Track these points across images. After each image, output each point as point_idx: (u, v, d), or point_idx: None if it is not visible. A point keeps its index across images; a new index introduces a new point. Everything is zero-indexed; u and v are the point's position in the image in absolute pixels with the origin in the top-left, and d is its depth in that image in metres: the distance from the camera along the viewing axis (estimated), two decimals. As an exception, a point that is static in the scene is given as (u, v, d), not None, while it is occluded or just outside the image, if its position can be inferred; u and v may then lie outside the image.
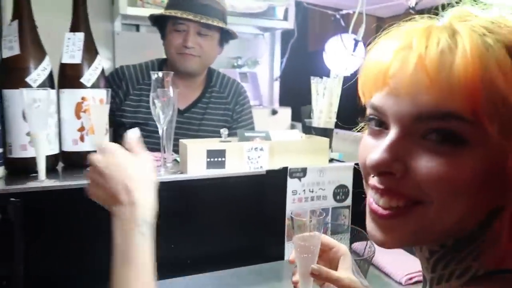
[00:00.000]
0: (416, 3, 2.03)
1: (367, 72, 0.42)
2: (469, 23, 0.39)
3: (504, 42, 0.37)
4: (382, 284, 0.95)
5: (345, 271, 0.62)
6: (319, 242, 0.62)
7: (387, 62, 0.39)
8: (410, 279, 0.94)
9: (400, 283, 0.94)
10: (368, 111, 0.44)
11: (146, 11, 2.17)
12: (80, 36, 1.09)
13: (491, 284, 0.39)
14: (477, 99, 0.35)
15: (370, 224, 0.43)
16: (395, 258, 1.02)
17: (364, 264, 0.96)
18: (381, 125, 0.42)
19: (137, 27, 2.46)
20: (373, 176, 0.42)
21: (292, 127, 2.53)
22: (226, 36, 1.46)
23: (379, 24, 2.70)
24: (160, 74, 1.02)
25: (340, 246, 0.66)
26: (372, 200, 0.42)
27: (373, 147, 0.41)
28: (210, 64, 1.50)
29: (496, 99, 0.35)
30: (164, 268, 0.94)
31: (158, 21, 1.42)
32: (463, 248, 0.42)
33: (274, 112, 2.53)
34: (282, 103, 2.77)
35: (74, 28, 1.09)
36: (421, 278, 0.96)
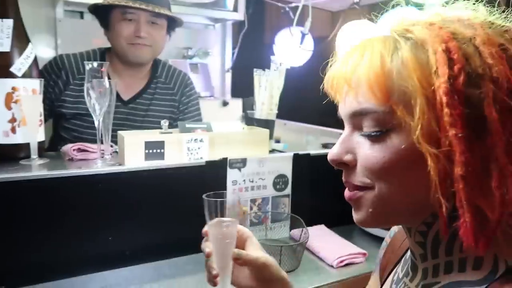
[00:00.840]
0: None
1: (325, 84, 0.52)
2: (392, 30, 0.46)
3: (414, 38, 0.44)
4: (316, 267, 1.00)
5: (257, 251, 0.63)
6: (236, 226, 0.61)
7: (331, 78, 0.50)
8: (341, 262, 0.99)
9: (332, 266, 0.99)
10: None
11: (89, -2, 2.10)
12: (8, 22, 1.04)
13: None
14: (382, 92, 0.43)
15: (353, 213, 0.50)
16: (328, 244, 1.07)
17: (299, 248, 1.00)
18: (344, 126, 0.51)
19: (81, 14, 2.36)
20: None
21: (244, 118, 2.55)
22: (173, 24, 1.45)
23: (334, 18, 2.76)
24: (95, 64, 1.00)
25: (244, 229, 0.67)
26: (346, 191, 0.50)
27: None
28: (159, 53, 1.47)
29: (399, 89, 0.43)
30: (102, 260, 0.94)
31: (101, 10, 1.37)
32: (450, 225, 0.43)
33: (225, 104, 2.53)
34: (235, 94, 2.77)
35: (1, 14, 1.04)
36: (351, 260, 1.02)
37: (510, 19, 0.46)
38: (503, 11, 0.46)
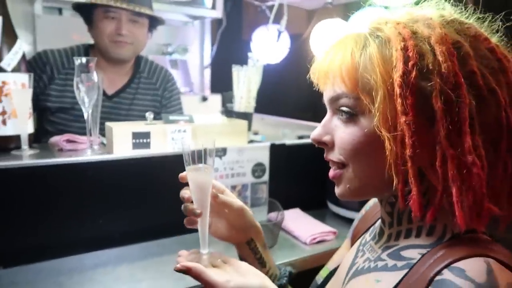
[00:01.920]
0: (333, -1, 2.22)
1: (312, 76, 0.59)
2: (365, 28, 0.53)
3: (382, 36, 0.51)
4: (291, 245, 1.10)
5: (235, 199, 0.67)
6: (213, 173, 0.62)
7: (315, 70, 0.57)
8: (314, 239, 1.10)
9: (305, 243, 1.09)
10: None
11: (69, -5, 2.12)
12: (-3, 19, 1.09)
13: (462, 245, 0.48)
14: (352, 81, 0.51)
15: (335, 188, 0.58)
16: (302, 224, 1.17)
17: (275, 227, 1.10)
18: None
19: (60, 10, 2.38)
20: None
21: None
22: (154, 22, 1.50)
23: (310, 15, 2.86)
24: (84, 59, 1.06)
25: (220, 184, 0.69)
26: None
27: None
28: (141, 51, 1.53)
29: (364, 80, 0.50)
30: (94, 242, 1.01)
31: (84, 8, 1.42)
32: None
33: (204, 99, 2.60)
34: (214, 90, 2.84)
35: (-10, 12, 1.09)
36: (323, 238, 1.13)
37: (476, 16, 0.52)
38: (473, 10, 0.53)
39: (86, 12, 1.41)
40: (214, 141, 0.62)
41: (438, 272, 0.45)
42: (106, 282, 0.86)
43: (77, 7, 1.42)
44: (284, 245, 1.09)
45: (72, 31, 2.15)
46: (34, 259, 0.93)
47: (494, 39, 0.51)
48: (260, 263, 0.71)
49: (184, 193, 0.64)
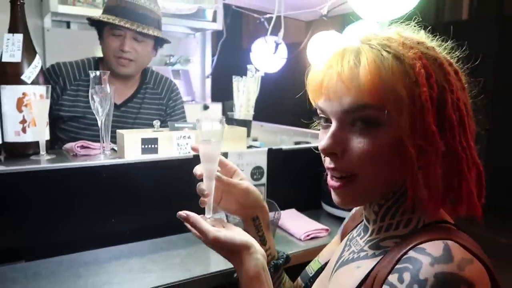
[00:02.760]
0: (328, 12, 2.34)
1: (310, 86, 0.60)
2: (371, 43, 0.56)
3: (393, 52, 0.54)
4: (287, 241, 1.19)
5: (242, 180, 0.75)
6: (220, 147, 0.70)
7: (320, 80, 0.58)
8: (308, 236, 1.19)
9: (300, 239, 1.19)
10: (318, 111, 0.61)
11: (77, 10, 2.23)
12: (19, 37, 1.19)
13: (429, 232, 0.54)
14: (378, 93, 0.52)
15: (333, 195, 0.61)
16: (297, 223, 1.27)
17: (273, 225, 1.19)
18: (327, 121, 0.60)
19: (68, 24, 2.49)
20: (324, 157, 0.60)
21: (224, 121, 2.72)
22: (160, 41, 1.59)
23: (307, 26, 2.97)
24: (98, 73, 1.17)
25: (232, 164, 0.78)
26: (330, 178, 0.60)
27: (324, 137, 0.58)
28: (145, 67, 1.62)
29: (390, 90, 0.52)
30: (108, 238, 1.10)
31: (95, 24, 1.53)
32: (402, 202, 0.59)
33: (205, 107, 2.71)
34: (215, 98, 2.95)
35: (12, 29, 1.19)
36: (315, 234, 1.22)
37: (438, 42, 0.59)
38: (442, 39, 0.60)
39: (98, 28, 1.52)
40: (223, 120, 0.71)
41: (405, 253, 0.52)
42: (120, 273, 0.95)
43: (92, 23, 1.53)
44: (281, 241, 1.18)
45: (79, 44, 2.27)
46: (53, 254, 1.02)
47: (455, 65, 0.60)
48: (261, 241, 0.77)
49: (196, 169, 0.72)
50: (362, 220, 0.72)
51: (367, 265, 0.59)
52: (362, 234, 0.67)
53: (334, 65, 0.56)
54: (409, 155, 0.53)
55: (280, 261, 0.81)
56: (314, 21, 2.93)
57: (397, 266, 0.52)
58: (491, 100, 0.68)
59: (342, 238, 0.80)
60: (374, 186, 0.57)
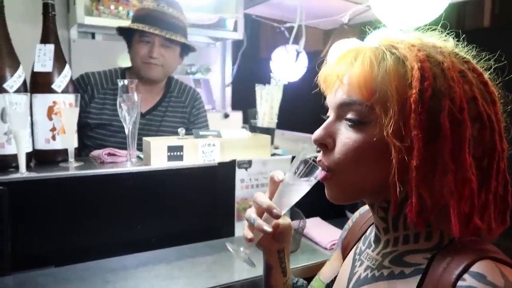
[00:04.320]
0: (349, 20, 2.33)
1: (320, 81, 0.62)
2: (381, 43, 0.55)
3: (397, 54, 0.54)
4: (312, 250, 1.18)
5: (285, 216, 0.72)
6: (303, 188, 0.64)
7: (325, 75, 0.60)
8: (333, 244, 1.18)
9: (325, 248, 1.17)
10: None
11: (102, 21, 2.28)
12: (50, 47, 1.23)
13: (465, 248, 0.51)
14: (368, 90, 0.53)
15: (326, 190, 0.60)
16: (322, 231, 1.26)
17: (297, 234, 1.19)
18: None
19: (93, 35, 2.56)
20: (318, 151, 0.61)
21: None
22: (186, 49, 1.65)
23: (326, 35, 2.97)
24: (126, 81, 1.19)
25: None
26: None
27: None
28: (171, 73, 1.67)
29: (380, 89, 0.52)
30: (134, 245, 1.12)
31: (125, 32, 1.57)
32: (405, 205, 0.53)
33: (226, 116, 2.72)
34: (235, 107, 2.97)
35: (44, 39, 1.23)
36: (342, 244, 1.20)
37: (471, 53, 0.57)
38: (468, 47, 0.57)
39: (127, 36, 1.57)
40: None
41: (459, 277, 0.48)
42: (147, 279, 0.96)
43: (120, 31, 1.57)
44: (306, 250, 1.17)
45: (103, 54, 2.32)
46: (81, 259, 1.04)
47: (486, 75, 0.56)
48: (283, 272, 0.76)
49: (278, 174, 0.67)
50: (366, 231, 0.70)
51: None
52: (374, 246, 0.63)
53: (336, 63, 0.58)
54: (391, 157, 0.51)
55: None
56: (333, 30, 2.92)
57: None
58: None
59: (344, 254, 0.76)
60: (357, 183, 0.56)
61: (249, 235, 0.66)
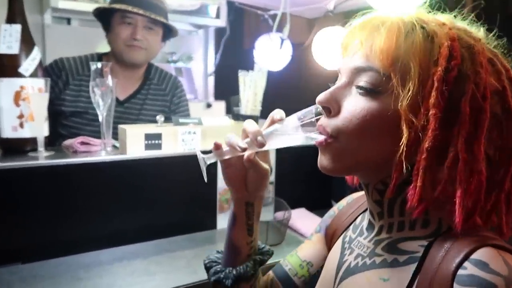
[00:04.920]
0: (334, 7, 2.28)
1: (340, 44, 0.57)
2: (411, 15, 0.52)
3: (427, 29, 0.50)
4: (297, 242, 1.13)
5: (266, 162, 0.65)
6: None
7: (347, 39, 0.55)
8: (320, 236, 1.13)
9: (311, 240, 1.13)
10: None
11: (77, 5, 2.18)
12: (17, 27, 1.14)
13: (464, 235, 0.48)
14: (388, 59, 0.49)
15: (319, 158, 0.55)
16: (307, 222, 1.21)
17: (282, 226, 1.14)
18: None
19: (68, 20, 2.45)
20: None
21: (227, 119, 2.67)
22: (168, 33, 1.58)
23: (311, 25, 2.92)
24: (99, 64, 1.12)
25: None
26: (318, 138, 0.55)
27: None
28: (153, 58, 1.60)
29: (402, 60, 0.49)
30: (109, 239, 1.05)
31: (103, 14, 1.49)
32: (407, 193, 0.50)
33: (208, 106, 2.66)
34: (218, 97, 2.90)
35: (10, 19, 1.14)
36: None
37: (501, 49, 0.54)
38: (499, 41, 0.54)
39: (105, 18, 1.48)
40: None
41: (459, 266, 0.46)
42: (123, 275, 0.90)
43: (97, 13, 1.48)
44: (291, 242, 1.13)
45: (80, 40, 2.22)
46: (51, 255, 0.97)
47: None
48: (249, 230, 0.67)
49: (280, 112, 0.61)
50: (355, 219, 0.66)
51: (398, 276, 0.51)
52: (366, 233, 0.60)
53: (360, 25, 0.54)
54: (401, 134, 0.48)
55: (266, 258, 0.70)
56: (317, 19, 2.88)
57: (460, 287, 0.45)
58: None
59: (329, 242, 0.71)
60: (358, 155, 0.52)
61: (219, 144, 0.61)
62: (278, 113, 0.61)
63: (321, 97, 0.54)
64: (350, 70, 0.53)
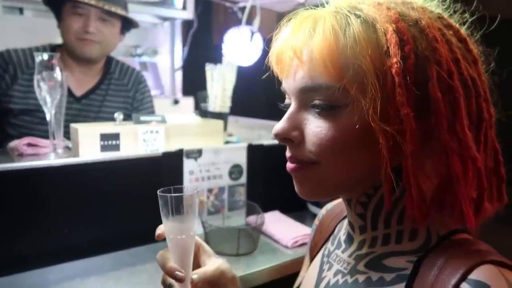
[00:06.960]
0: (306, 0, 2.22)
1: (271, 63, 0.50)
2: (340, 5, 0.45)
3: (363, 16, 0.43)
4: (272, 249, 1.05)
5: (211, 259, 0.57)
6: (195, 222, 0.53)
7: (277, 54, 0.48)
8: (296, 242, 1.06)
9: (286, 247, 1.05)
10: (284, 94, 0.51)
11: (29, -7, 2.02)
12: None
13: (458, 250, 0.44)
14: (335, 68, 0.42)
15: (296, 187, 0.49)
16: (282, 227, 1.13)
17: (255, 232, 1.05)
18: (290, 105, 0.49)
19: (21, 10, 2.26)
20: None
21: (196, 116, 2.56)
22: (127, 24, 1.44)
23: (281, 18, 2.85)
24: (46, 55, 0.98)
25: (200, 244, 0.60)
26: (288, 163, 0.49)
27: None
28: (111, 52, 1.46)
29: (351, 64, 0.42)
30: (59, 253, 0.93)
31: (53, 3, 1.34)
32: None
33: (176, 102, 2.53)
34: (186, 93, 2.78)
35: None
36: (305, 240, 1.09)
37: (444, 6, 0.47)
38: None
39: (56, 7, 1.34)
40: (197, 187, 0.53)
41: (456, 287, 0.40)
42: (73, 297, 0.78)
43: (47, 2, 1.34)
44: (265, 249, 1.05)
45: (34, 32, 2.04)
46: (-10, 275, 0.84)
47: (462, 31, 0.47)
48: None
49: (159, 228, 0.55)
50: (334, 230, 0.61)
51: None
52: (344, 246, 0.54)
53: (290, 36, 0.46)
54: (378, 143, 0.42)
55: None
56: (287, 12, 2.81)
57: None
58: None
59: (311, 254, 0.66)
60: (338, 177, 0.46)
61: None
62: (157, 231, 0.55)
63: (277, 129, 0.47)
64: (298, 91, 0.46)
